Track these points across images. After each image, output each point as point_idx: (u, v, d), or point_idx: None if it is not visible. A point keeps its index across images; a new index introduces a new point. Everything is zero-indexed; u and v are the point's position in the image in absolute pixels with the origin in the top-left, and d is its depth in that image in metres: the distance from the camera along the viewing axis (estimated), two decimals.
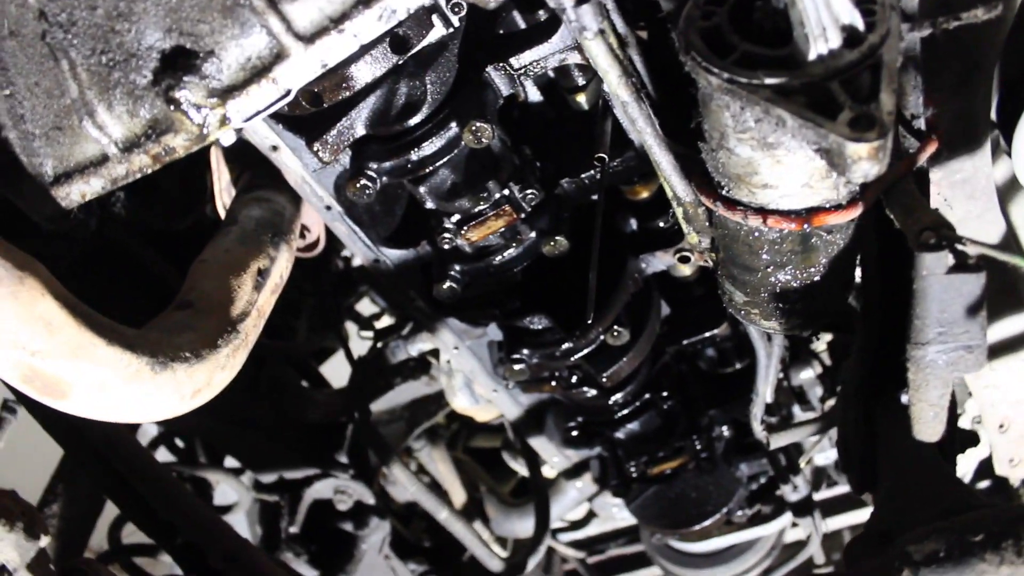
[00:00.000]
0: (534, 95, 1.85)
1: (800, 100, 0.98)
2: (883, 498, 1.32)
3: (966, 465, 2.27)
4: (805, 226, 1.16)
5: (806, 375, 2.36)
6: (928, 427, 1.18)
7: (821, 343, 2.46)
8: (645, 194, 1.96)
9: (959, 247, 1.06)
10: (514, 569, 2.29)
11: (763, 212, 1.16)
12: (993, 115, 2.00)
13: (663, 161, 1.30)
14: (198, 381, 1.40)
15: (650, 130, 1.30)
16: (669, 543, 2.60)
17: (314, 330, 2.68)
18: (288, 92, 1.17)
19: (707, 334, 2.12)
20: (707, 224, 1.34)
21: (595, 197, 1.90)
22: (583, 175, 1.77)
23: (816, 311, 1.34)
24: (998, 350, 2.16)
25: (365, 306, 3.05)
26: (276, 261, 1.68)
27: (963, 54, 1.56)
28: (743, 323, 1.64)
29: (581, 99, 1.80)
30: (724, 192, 1.20)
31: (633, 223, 2.03)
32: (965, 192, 1.91)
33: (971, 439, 1.42)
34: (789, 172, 1.10)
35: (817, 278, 1.26)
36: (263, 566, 1.77)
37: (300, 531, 2.51)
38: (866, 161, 0.92)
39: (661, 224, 1.98)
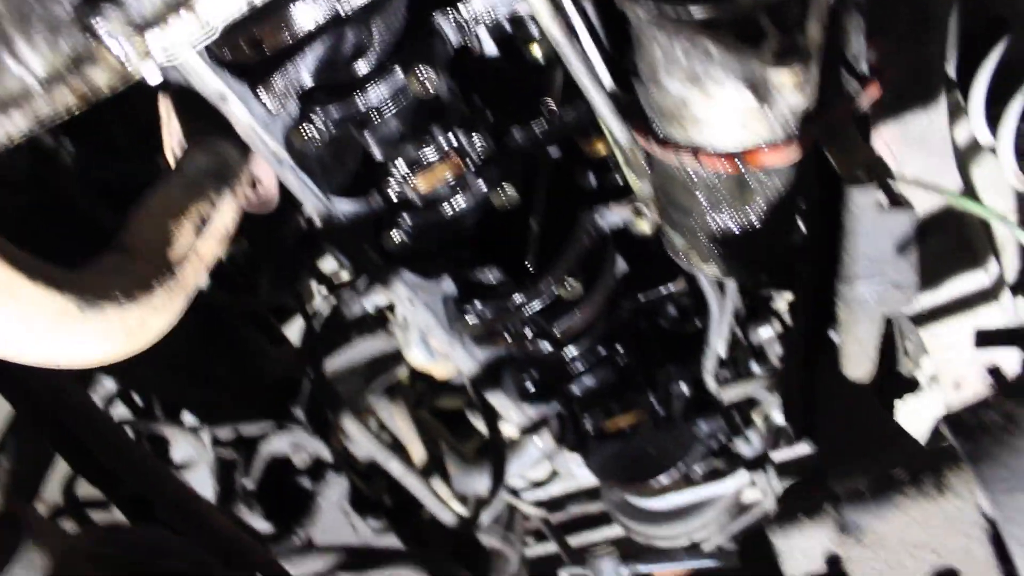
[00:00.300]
0: (490, 47, 1.82)
1: (727, 32, 0.96)
2: (820, 442, 1.31)
3: (922, 424, 2.27)
4: (739, 166, 1.14)
5: (765, 333, 2.35)
6: (856, 365, 1.17)
7: (781, 301, 2.45)
8: (603, 149, 1.94)
9: (891, 184, 1.04)
10: (468, 522, 2.29)
11: (696, 152, 1.15)
12: (953, 74, 1.99)
13: (598, 101, 1.28)
14: (130, 324, 1.37)
15: (583, 69, 1.28)
16: (627, 499, 2.60)
17: (275, 287, 2.66)
18: (212, 28, 1.15)
19: (662, 288, 2.11)
20: (647, 170, 1.32)
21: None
22: (535, 126, 1.75)
23: (756, 257, 1.33)
24: (953, 308, 2.16)
25: (330, 265, 3.03)
26: (220, 209, 1.65)
27: (912, 1, 1.54)
28: (688, 270, 1.64)
29: (536, 50, 1.78)
30: (659, 132, 1.18)
31: (591, 178, 2.01)
32: (920, 149, 1.90)
33: (909, 385, 1.42)
34: (720, 108, 1.08)
35: (755, 222, 1.25)
36: (211, 518, 1.76)
37: (256, 486, 2.50)
38: (789, 90, 0.91)
39: (617, 178, 1.97)
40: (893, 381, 1.42)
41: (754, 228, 1.25)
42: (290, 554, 2.29)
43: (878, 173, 1.05)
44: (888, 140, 1.87)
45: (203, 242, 1.58)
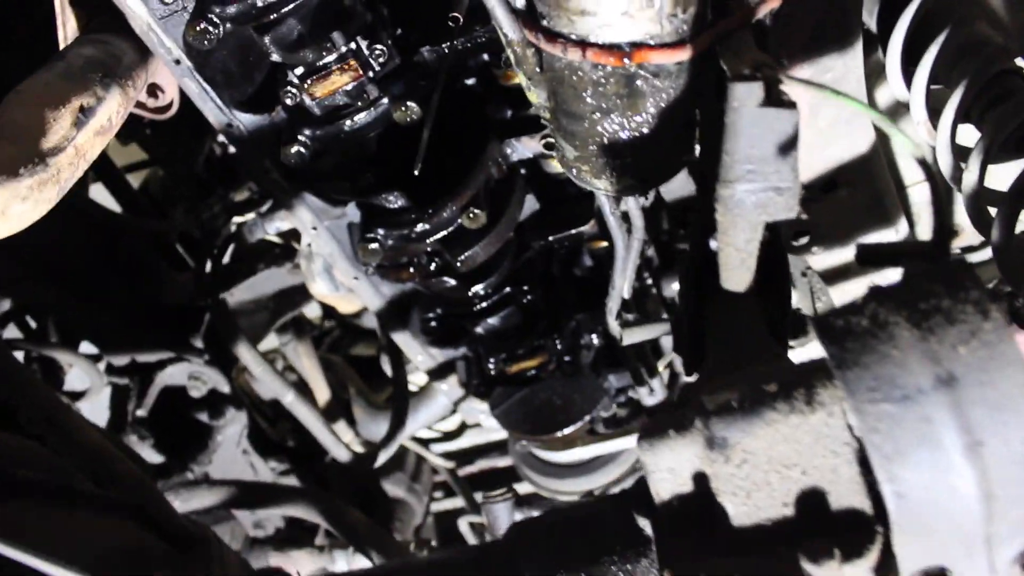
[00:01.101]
0: None
1: None
2: (705, 372, 1.27)
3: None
4: (626, 61, 1.09)
5: (677, 287, 2.31)
6: (735, 274, 1.12)
7: None
8: (518, 80, 1.87)
9: (776, 84, 0.99)
10: (364, 461, 2.22)
11: (583, 44, 1.09)
12: (873, 26, 1.95)
13: None
14: None
15: None
16: (533, 452, 2.55)
17: (187, 215, 2.57)
18: None
19: (573, 231, 2.05)
20: (536, 70, 1.26)
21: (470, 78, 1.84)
22: (444, 43, 1.69)
23: (648, 169, 1.27)
24: (863, 261, 2.14)
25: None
26: (104, 102, 1.56)
27: None
28: (579, 184, 1.58)
29: None
30: (545, 23, 1.12)
31: (507, 111, 1.95)
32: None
33: (801, 326, 1.38)
34: None
35: (646, 129, 1.19)
36: (80, 430, 1.67)
37: (149, 416, 2.41)
38: None
39: (533, 112, 1.91)
40: (788, 320, 1.38)
41: (645, 136, 1.19)
42: (180, 487, 2.21)
43: (764, 72, 0.99)
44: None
45: (83, 135, 1.49)
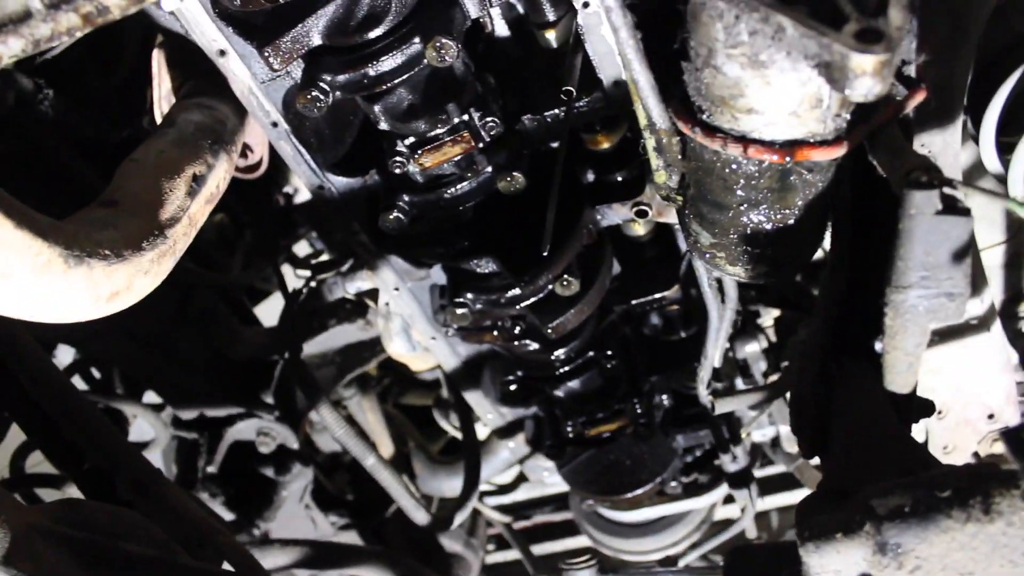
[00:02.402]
0: (502, 29, 1.75)
1: (802, 10, 0.90)
2: (837, 457, 1.26)
3: None
4: (787, 159, 1.09)
5: (751, 348, 2.31)
6: (901, 377, 1.12)
7: (768, 318, 2.42)
8: (607, 144, 1.88)
9: (948, 190, 0.99)
10: (440, 523, 2.21)
11: (744, 141, 1.09)
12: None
13: (642, 80, 1.21)
14: (117, 283, 1.28)
15: (632, 43, 1.22)
16: (598, 511, 2.54)
17: (250, 266, 2.56)
18: None
19: (657, 295, 2.05)
20: (679, 157, 1.26)
21: (558, 143, 1.84)
22: (546, 113, 1.69)
23: (784, 259, 1.27)
24: (942, 333, 2.14)
25: (303, 249, 2.94)
26: (214, 169, 1.56)
27: (952, 12, 1.50)
28: (704, 272, 1.58)
29: (551, 36, 1.71)
30: (704, 117, 1.12)
31: (591, 175, 1.95)
32: None
33: (927, 408, 1.37)
34: (778, 96, 1.02)
35: (791, 221, 1.19)
36: (176, 498, 1.66)
37: (218, 472, 2.40)
38: (870, 77, 0.85)
39: (620, 178, 1.91)
40: (909, 402, 1.37)
41: (788, 227, 1.19)
42: (249, 546, 2.19)
43: (935, 177, 0.99)
44: None
45: (195, 204, 1.49)
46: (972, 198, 2.20)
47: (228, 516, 2.45)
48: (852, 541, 1.00)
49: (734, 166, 1.14)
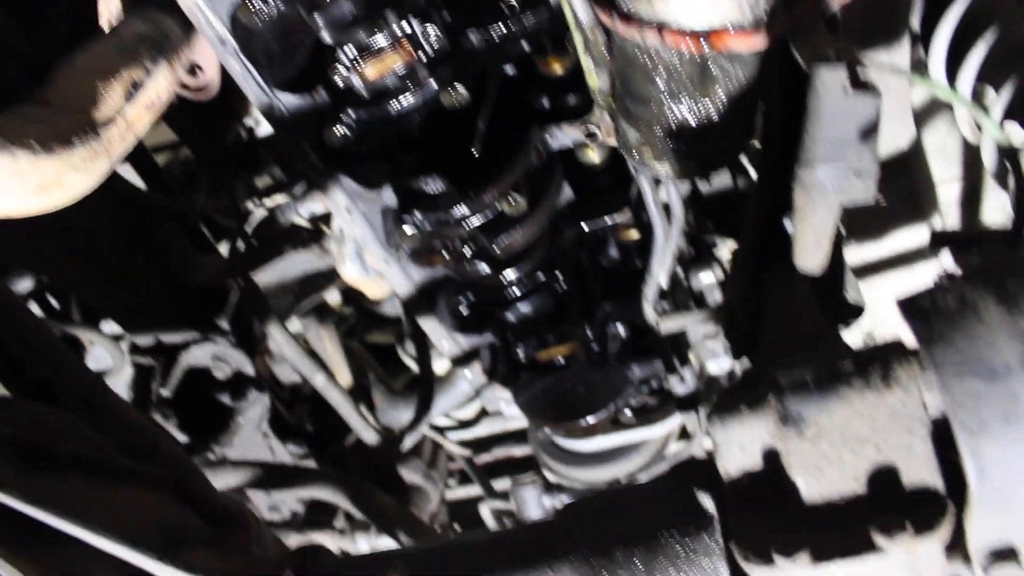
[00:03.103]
0: None
1: None
2: (762, 354, 1.28)
3: None
4: (704, 47, 1.09)
5: (707, 278, 2.32)
6: (810, 255, 1.13)
7: (724, 249, 2.43)
8: (559, 68, 1.88)
9: (859, 68, 1.00)
10: (390, 444, 2.22)
11: (662, 29, 1.10)
12: (917, 26, 1.97)
13: None
14: (44, 175, 1.29)
15: None
16: (554, 440, 2.56)
17: (212, 196, 2.56)
18: None
19: (608, 219, 2.06)
20: (606, 56, 1.27)
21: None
22: (491, 27, 1.69)
23: (709, 155, 1.28)
24: (894, 262, 2.16)
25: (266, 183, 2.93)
26: (153, 77, 1.56)
27: None
28: (648, 188, 1.59)
29: None
30: (624, 8, 1.13)
31: (543, 99, 1.95)
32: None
33: (856, 311, 1.39)
34: None
35: (714, 115, 1.20)
36: (118, 407, 1.66)
37: (174, 397, 2.41)
38: None
39: (571, 101, 1.91)
40: (839, 305, 1.39)
41: (712, 121, 1.20)
42: (204, 467, 2.21)
43: (847, 57, 1.00)
44: None
45: (132, 108, 1.49)
46: (933, 132, 2.22)
47: (182, 439, 2.46)
48: (756, 414, 1.02)
49: (654, 56, 1.15)
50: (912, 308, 0.91)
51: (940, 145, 2.23)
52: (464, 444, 3.08)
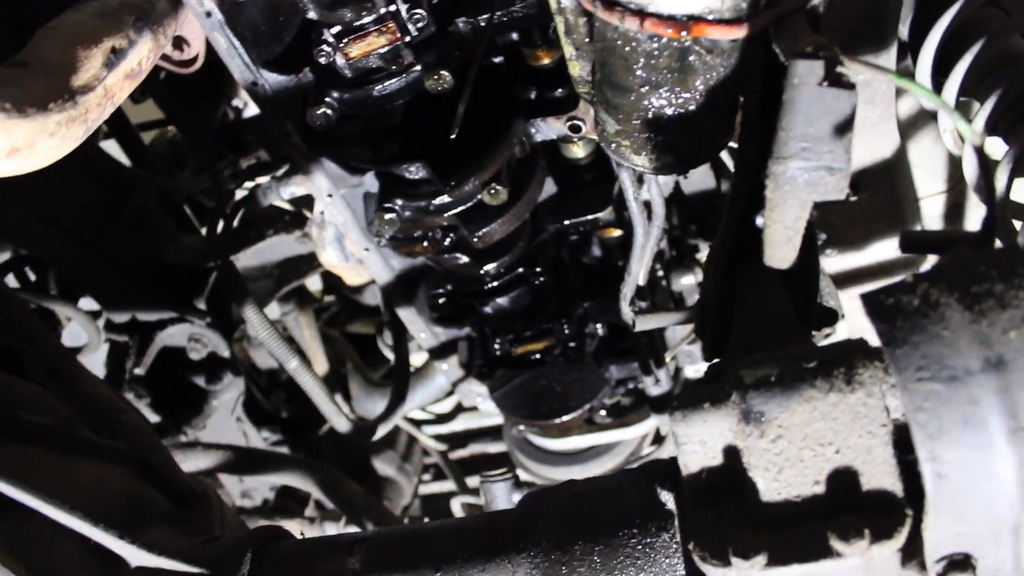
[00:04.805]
0: None
1: None
2: (730, 352, 1.26)
3: None
4: (683, 34, 1.08)
5: (687, 281, 2.31)
6: (780, 251, 1.12)
7: (704, 253, 2.42)
8: (547, 60, 1.87)
9: (836, 64, 0.99)
10: (362, 433, 2.21)
11: (642, 14, 1.09)
12: (906, 35, 1.96)
13: None
14: (16, 139, 1.27)
15: None
16: (528, 438, 2.55)
17: (196, 176, 2.54)
18: None
19: (590, 216, 2.05)
20: (586, 40, 1.26)
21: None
22: (480, 16, 1.68)
23: (687, 149, 1.27)
24: (875, 272, 2.15)
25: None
26: (135, 45, 1.55)
27: None
28: (630, 185, 1.58)
29: None
30: None
31: (531, 91, 1.94)
32: (864, 96, 1.87)
33: (830, 316, 1.38)
34: None
35: (692, 107, 1.19)
36: (85, 380, 1.65)
37: (148, 377, 2.39)
38: None
39: (558, 94, 1.91)
40: (814, 310, 1.38)
41: (690, 113, 1.19)
42: (175, 448, 2.19)
43: (825, 52, 0.99)
44: None
45: (112, 76, 1.48)
46: (917, 147, 2.21)
47: (154, 419, 2.44)
48: (718, 410, 1.01)
49: (634, 43, 1.13)
50: (875, 305, 0.89)
51: (926, 158, 2.22)
52: (439, 438, 3.07)
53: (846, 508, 0.97)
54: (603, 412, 2.44)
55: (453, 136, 1.48)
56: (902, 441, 0.95)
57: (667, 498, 1.13)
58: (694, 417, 1.02)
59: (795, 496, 0.99)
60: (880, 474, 0.97)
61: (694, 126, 1.22)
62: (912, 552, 0.97)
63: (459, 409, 3.01)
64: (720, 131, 1.28)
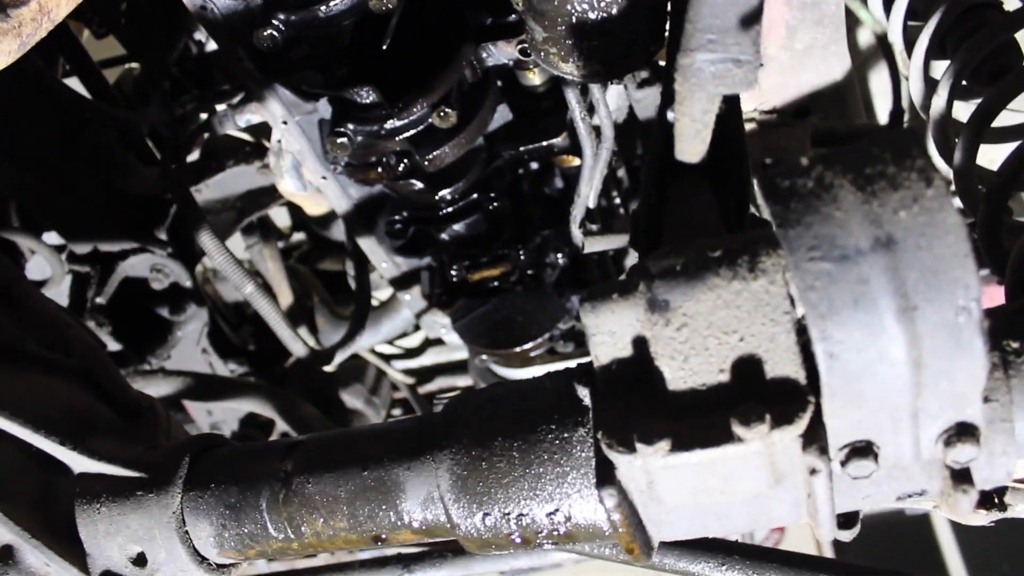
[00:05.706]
0: None
1: None
2: None
3: None
4: None
5: None
6: (689, 145, 1.13)
7: None
8: None
9: None
10: (320, 358, 2.23)
11: None
12: None
13: None
14: None
15: None
16: (491, 367, 2.57)
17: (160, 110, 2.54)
18: None
19: (545, 142, 2.05)
20: None
21: None
22: None
23: (616, 55, 1.27)
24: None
25: None
26: None
27: None
28: (578, 106, 1.58)
29: None
30: None
31: (484, 17, 1.94)
32: (813, 16, 1.87)
33: (756, 225, 1.38)
34: None
35: (615, 10, 1.19)
36: (33, 298, 1.66)
37: (109, 305, 2.40)
38: None
39: (510, 19, 1.90)
40: (745, 217, 1.39)
41: (612, 17, 1.19)
42: (136, 375, 2.21)
43: None
44: (782, 4, 1.83)
45: None
46: (879, 76, 2.20)
47: (116, 347, 2.46)
48: (626, 300, 1.02)
49: None
50: (770, 187, 0.90)
51: (885, 87, 2.23)
52: (408, 373, 3.10)
53: (751, 396, 0.99)
54: (564, 342, 2.46)
55: (385, 47, 1.47)
56: (807, 330, 0.96)
57: (584, 393, 1.14)
58: (603, 308, 1.04)
59: (701, 384, 1.01)
60: (783, 362, 0.98)
61: (619, 30, 1.23)
62: (813, 438, 0.98)
63: (427, 343, 3.03)
64: (647, 36, 1.28)
